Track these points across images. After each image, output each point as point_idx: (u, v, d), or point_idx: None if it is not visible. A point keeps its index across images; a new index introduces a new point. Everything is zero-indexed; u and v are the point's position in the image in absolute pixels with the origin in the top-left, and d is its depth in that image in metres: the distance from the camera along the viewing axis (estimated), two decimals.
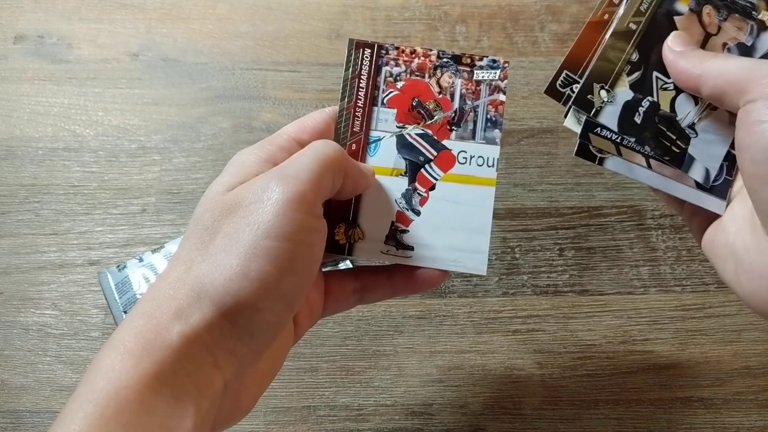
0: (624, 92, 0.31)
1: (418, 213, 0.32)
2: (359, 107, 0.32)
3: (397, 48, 0.33)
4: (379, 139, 0.32)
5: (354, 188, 0.30)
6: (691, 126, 0.31)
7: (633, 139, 0.31)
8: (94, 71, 0.54)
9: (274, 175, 0.26)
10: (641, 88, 0.31)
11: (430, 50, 0.33)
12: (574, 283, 0.47)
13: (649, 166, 0.31)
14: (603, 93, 0.31)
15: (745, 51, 0.32)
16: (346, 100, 0.32)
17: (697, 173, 0.31)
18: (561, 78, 0.31)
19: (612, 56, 0.31)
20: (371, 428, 0.43)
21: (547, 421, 0.43)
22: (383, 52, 0.32)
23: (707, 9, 0.32)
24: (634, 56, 0.31)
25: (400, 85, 0.32)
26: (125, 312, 0.43)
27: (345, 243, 0.32)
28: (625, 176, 0.32)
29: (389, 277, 0.33)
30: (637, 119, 0.31)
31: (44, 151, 0.51)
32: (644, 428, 0.43)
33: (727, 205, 0.31)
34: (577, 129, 0.31)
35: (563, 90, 0.31)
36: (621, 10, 0.31)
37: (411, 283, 0.32)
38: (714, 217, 0.31)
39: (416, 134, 0.32)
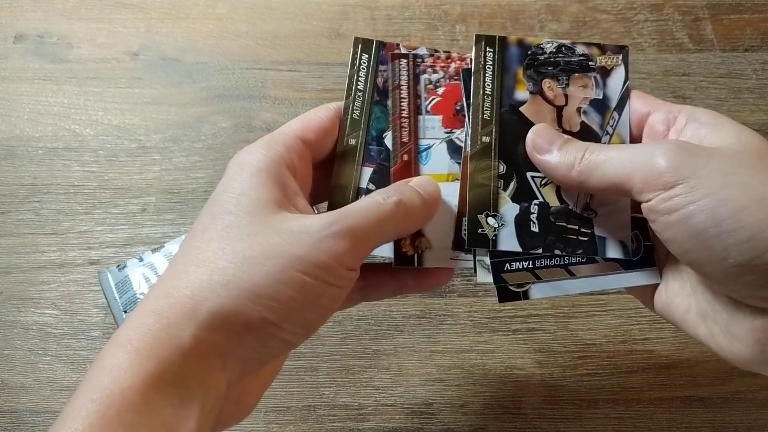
0: (510, 208, 0.29)
1: None
2: (404, 118, 0.31)
3: (431, 55, 0.32)
4: (429, 147, 0.31)
5: (419, 227, 0.30)
6: (587, 207, 0.30)
7: (540, 250, 0.29)
8: (94, 71, 0.54)
9: (337, 223, 0.26)
10: (523, 195, 0.30)
11: (465, 54, 0.32)
12: None
13: (572, 274, 0.30)
14: (491, 220, 0.29)
15: (600, 105, 0.31)
16: (392, 112, 0.31)
17: (614, 251, 0.29)
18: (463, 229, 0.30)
19: (482, 179, 0.29)
20: (371, 428, 0.43)
21: (547, 421, 0.43)
22: (419, 60, 0.32)
23: (546, 83, 0.31)
24: (502, 168, 0.30)
25: (440, 91, 0.32)
26: (125, 312, 0.43)
27: (413, 254, 0.31)
28: (555, 296, 0.30)
29: (393, 275, 0.33)
30: (534, 228, 0.29)
31: (44, 150, 0.51)
32: (644, 427, 0.43)
33: (661, 270, 0.30)
34: (491, 279, 0.29)
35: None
36: (468, 130, 0.30)
37: (416, 282, 0.32)
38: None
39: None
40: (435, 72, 0.32)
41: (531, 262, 0.29)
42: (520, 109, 0.30)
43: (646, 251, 0.30)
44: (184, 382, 0.24)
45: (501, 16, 0.56)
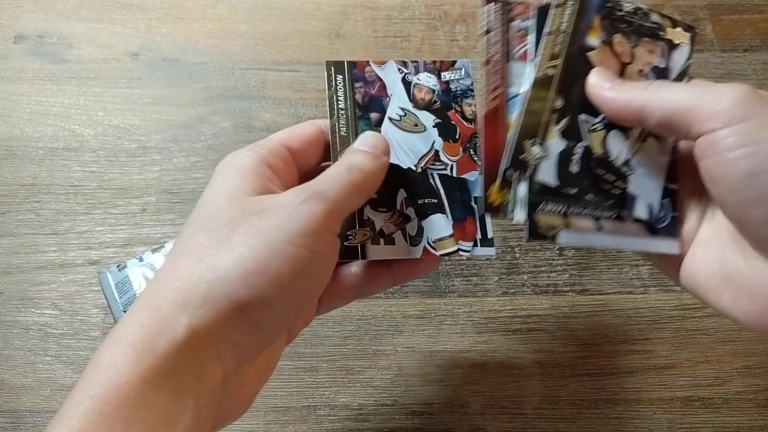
0: (556, 143, 0.30)
1: None
2: (496, 63, 0.30)
3: (521, 2, 0.31)
4: (518, 96, 0.31)
5: (377, 179, 0.30)
6: (626, 163, 0.31)
7: (574, 190, 0.30)
8: (94, 71, 0.54)
9: (306, 191, 0.27)
10: (571, 134, 0.30)
11: None
12: (574, 283, 0.47)
13: (600, 229, 0.30)
14: (535, 148, 0.29)
15: (661, 74, 0.31)
16: (483, 56, 0.30)
17: (641, 211, 0.30)
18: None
19: (536, 108, 0.30)
20: (371, 428, 0.43)
21: (547, 421, 0.43)
22: (509, 6, 0.31)
23: (617, 38, 0.31)
24: (558, 102, 0.30)
25: (530, 38, 0.31)
26: (125, 312, 0.43)
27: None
28: (580, 245, 0.31)
29: (388, 266, 0.33)
30: (574, 168, 0.30)
31: (44, 151, 0.51)
32: (644, 428, 0.43)
33: (680, 244, 0.30)
34: (524, 217, 0.29)
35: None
36: (536, 58, 0.30)
37: (409, 269, 0.33)
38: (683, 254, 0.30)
39: None
40: (525, 20, 0.31)
41: (565, 206, 0.30)
42: (588, 54, 0.31)
43: (672, 222, 0.31)
44: (180, 375, 0.24)
45: None
